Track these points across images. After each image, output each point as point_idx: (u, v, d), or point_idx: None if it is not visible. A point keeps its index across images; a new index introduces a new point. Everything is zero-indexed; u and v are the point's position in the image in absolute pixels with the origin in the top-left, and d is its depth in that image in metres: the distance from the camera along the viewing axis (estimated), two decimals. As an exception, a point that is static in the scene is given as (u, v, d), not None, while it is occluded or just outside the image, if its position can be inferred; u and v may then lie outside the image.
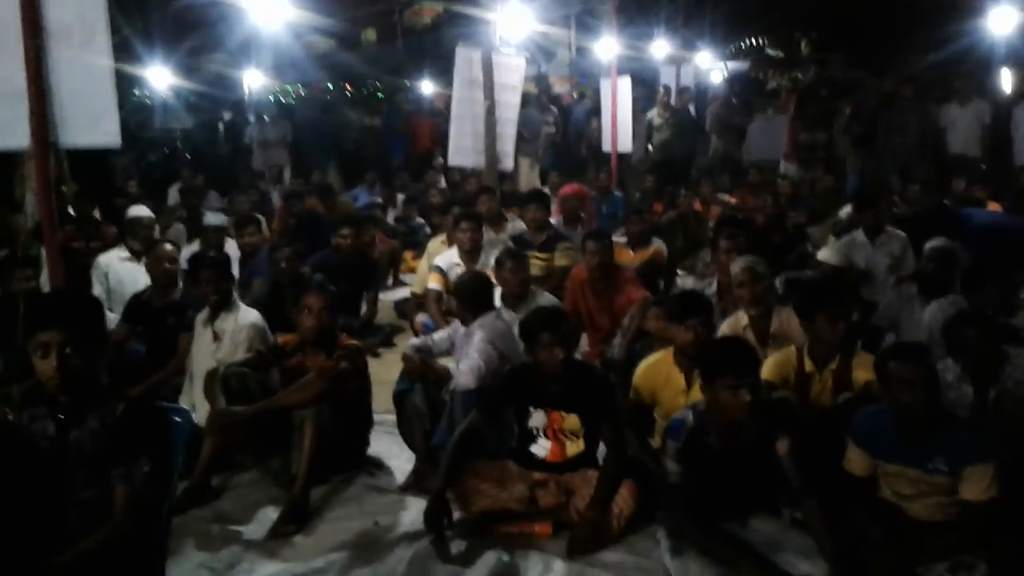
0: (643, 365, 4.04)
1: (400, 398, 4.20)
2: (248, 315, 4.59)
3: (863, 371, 3.65)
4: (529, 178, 10.75)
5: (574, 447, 3.71)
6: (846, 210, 6.94)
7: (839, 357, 3.79)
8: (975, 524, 3.05)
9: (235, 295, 4.79)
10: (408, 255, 8.47)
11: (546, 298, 4.94)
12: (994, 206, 7.01)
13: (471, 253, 6.11)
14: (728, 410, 3.16)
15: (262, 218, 8.42)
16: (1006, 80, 9.19)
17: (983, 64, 9.31)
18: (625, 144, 10.21)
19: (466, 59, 8.26)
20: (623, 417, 3.84)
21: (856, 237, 6.07)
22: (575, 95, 13.89)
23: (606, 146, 10.20)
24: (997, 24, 8.22)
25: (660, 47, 12.67)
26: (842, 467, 3.31)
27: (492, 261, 5.50)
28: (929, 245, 5.09)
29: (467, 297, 4.33)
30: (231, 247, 7.03)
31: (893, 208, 7.13)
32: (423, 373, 4.08)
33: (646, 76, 12.32)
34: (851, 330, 4.08)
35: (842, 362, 3.77)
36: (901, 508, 3.21)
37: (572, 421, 3.70)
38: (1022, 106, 8.36)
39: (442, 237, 7.06)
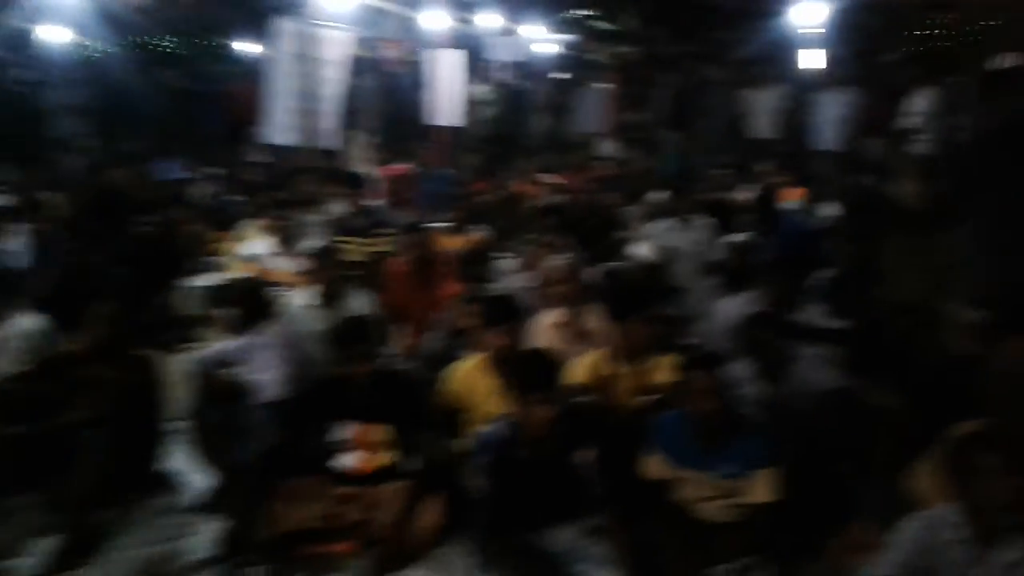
0: (456, 369, 3.98)
1: (197, 411, 3.97)
2: (25, 321, 4.20)
3: (666, 372, 3.75)
4: (362, 153, 10.41)
5: (382, 459, 3.63)
6: (656, 195, 7.13)
7: (645, 359, 3.88)
8: (760, 525, 3.20)
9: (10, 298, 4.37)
10: (219, 237, 8.01)
11: (360, 300, 4.79)
12: (794, 191, 7.40)
13: (286, 242, 5.89)
14: (534, 423, 3.16)
15: (60, 194, 7.78)
16: (809, 67, 9.71)
17: (787, 51, 9.79)
18: (455, 119, 10.08)
19: (286, 32, 7.86)
20: (434, 425, 3.80)
21: (666, 222, 6.26)
22: (404, 63, 13.52)
23: (434, 120, 10.03)
24: (804, 15, 8.63)
25: (488, 18, 12.54)
26: (641, 470, 3.41)
27: (312, 245, 5.35)
28: (732, 238, 5.32)
29: (237, 306, 4.14)
30: (20, 231, 6.44)
31: (703, 193, 7.40)
32: (219, 388, 3.87)
33: (474, 48, 12.18)
34: (658, 327, 4.19)
35: (648, 364, 3.87)
36: (693, 511, 3.33)
37: (380, 432, 3.62)
38: (824, 92, 8.86)
39: (258, 221, 6.75)
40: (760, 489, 3.21)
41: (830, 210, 7.05)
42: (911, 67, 8.62)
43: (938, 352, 4.45)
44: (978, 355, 3.79)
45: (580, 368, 3.92)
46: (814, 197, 7.25)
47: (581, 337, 4.34)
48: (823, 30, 9.33)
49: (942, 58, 9.62)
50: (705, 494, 3.31)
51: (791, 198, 7.31)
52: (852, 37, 9.53)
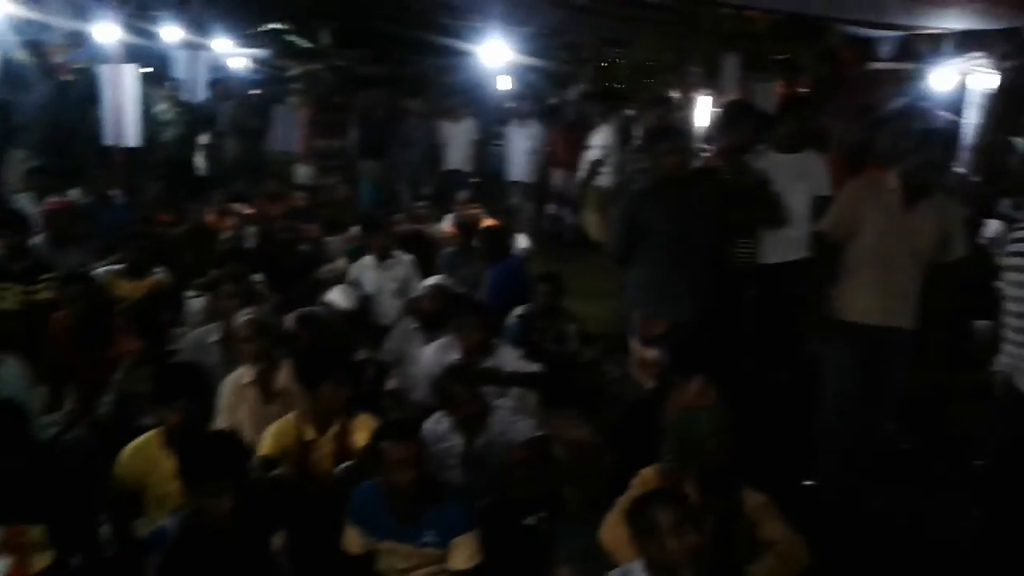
0: (128, 448, 3.55)
1: None
2: None
3: (364, 434, 3.61)
4: (20, 181, 9.11)
5: (38, 562, 3.14)
6: (356, 229, 6.98)
7: (342, 421, 3.71)
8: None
9: None
10: None
11: (11, 369, 4.14)
12: (489, 223, 7.58)
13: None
14: (211, 515, 2.88)
15: None
16: (499, 101, 10.10)
17: (480, 85, 10.11)
18: (131, 140, 9.19)
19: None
20: (106, 512, 3.38)
21: (365, 260, 6.14)
22: (76, 71, 12.12)
23: (109, 142, 9.09)
24: (494, 51, 8.92)
25: (171, 31, 11.65)
26: (340, 546, 3.25)
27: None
28: (431, 280, 5.31)
29: None
30: None
31: (402, 225, 7.37)
32: None
33: (156, 63, 11.26)
34: (355, 385, 4.05)
35: (344, 426, 3.70)
36: (396, 583, 3.24)
37: (37, 532, 3.13)
38: (514, 126, 9.22)
39: None
40: (461, 555, 3.18)
41: (522, 242, 7.31)
42: (594, 102, 9.18)
43: (625, 388, 4.75)
44: (659, 393, 4.06)
45: (271, 436, 3.68)
46: (507, 228, 7.45)
47: (274, 398, 4.10)
48: (512, 65, 9.74)
49: (620, 93, 10.44)
50: (406, 565, 3.23)
51: (486, 229, 7.46)
52: (539, 73, 10.05)
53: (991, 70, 7.25)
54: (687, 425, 3.32)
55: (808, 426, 4.25)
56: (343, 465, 3.56)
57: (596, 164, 8.18)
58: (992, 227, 6.97)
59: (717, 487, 3.13)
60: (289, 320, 4.95)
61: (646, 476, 3.26)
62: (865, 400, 4.04)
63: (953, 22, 6.72)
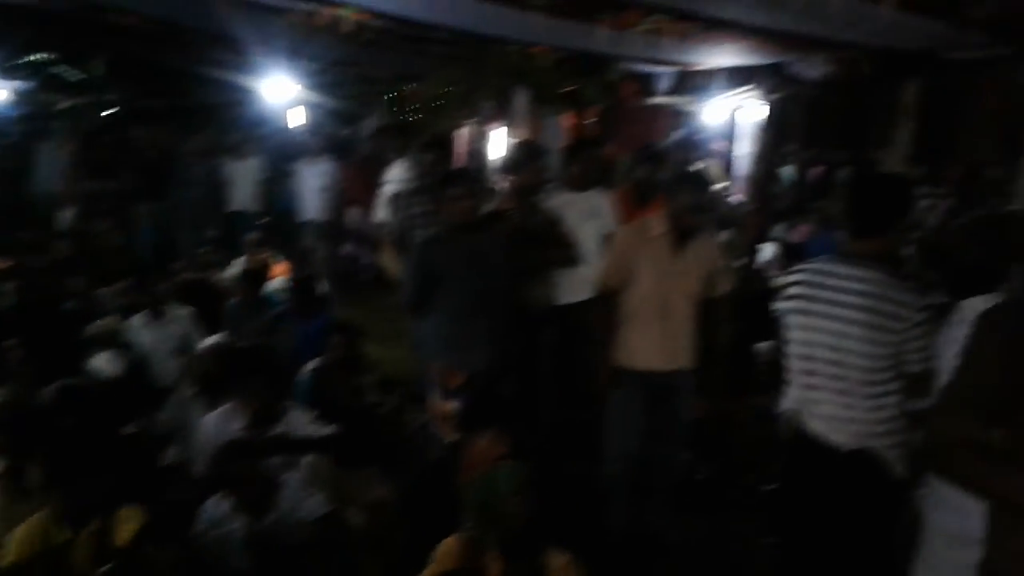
0: None
1: None
2: None
3: (128, 529, 3.21)
4: None
5: None
6: (129, 280, 6.40)
7: (101, 517, 3.29)
8: None
9: None
10: None
11: None
12: (280, 268, 7.22)
13: None
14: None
15: None
16: (287, 137, 9.72)
17: (265, 122, 9.69)
18: None
19: None
20: None
21: (139, 316, 5.64)
22: None
23: None
24: (279, 87, 8.57)
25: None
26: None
27: None
28: (207, 340, 4.92)
29: None
30: None
31: (183, 273, 6.87)
32: None
33: None
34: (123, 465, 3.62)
35: (104, 523, 3.28)
36: None
37: None
38: (305, 163, 8.86)
39: None
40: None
41: (320, 286, 6.98)
42: (388, 136, 8.98)
43: (426, 441, 4.55)
44: (458, 448, 3.89)
45: (18, 540, 3.20)
46: (301, 271, 7.11)
47: (28, 494, 3.59)
48: (302, 100, 9.39)
49: (414, 128, 10.29)
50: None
51: (277, 275, 7.09)
52: (330, 108, 9.75)
53: (760, 102, 7.76)
54: (487, 487, 3.18)
55: (601, 468, 4.24)
56: (103, 569, 3.14)
57: (394, 200, 7.96)
58: (767, 251, 7.42)
59: (520, 553, 3.01)
60: (48, 394, 4.42)
61: (447, 547, 3.09)
62: (654, 438, 4.08)
63: (723, 59, 7.13)
